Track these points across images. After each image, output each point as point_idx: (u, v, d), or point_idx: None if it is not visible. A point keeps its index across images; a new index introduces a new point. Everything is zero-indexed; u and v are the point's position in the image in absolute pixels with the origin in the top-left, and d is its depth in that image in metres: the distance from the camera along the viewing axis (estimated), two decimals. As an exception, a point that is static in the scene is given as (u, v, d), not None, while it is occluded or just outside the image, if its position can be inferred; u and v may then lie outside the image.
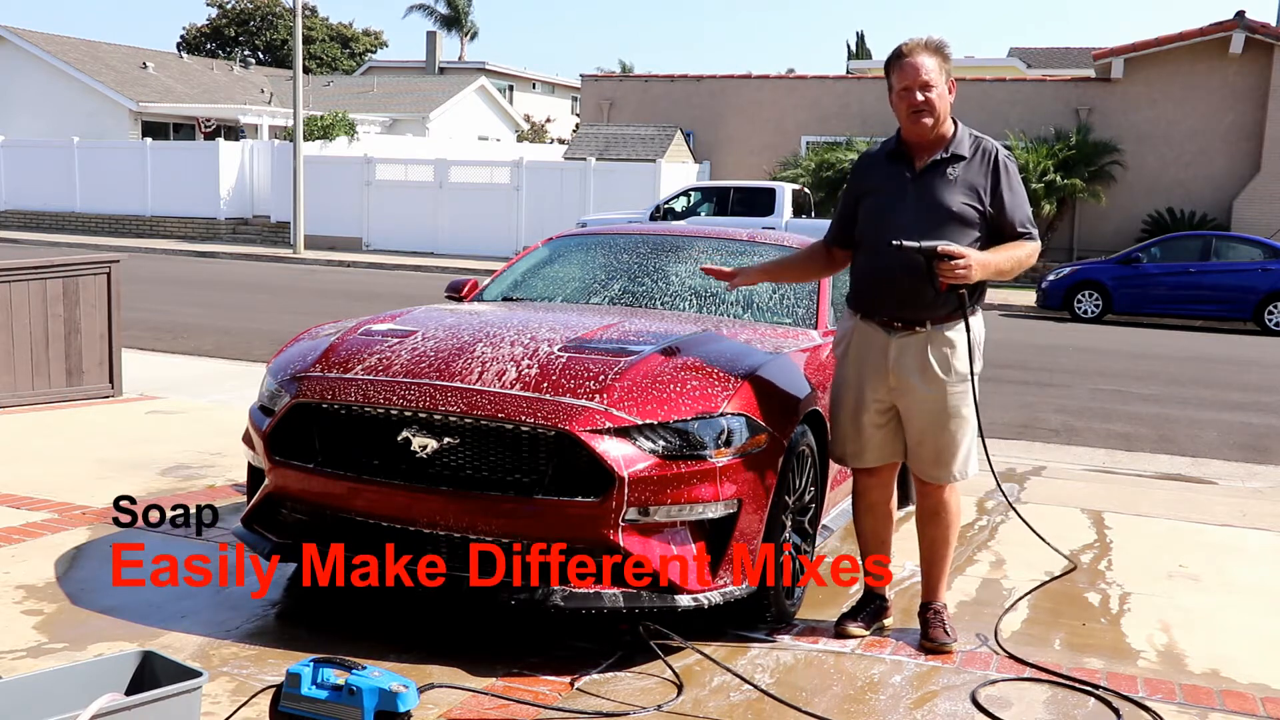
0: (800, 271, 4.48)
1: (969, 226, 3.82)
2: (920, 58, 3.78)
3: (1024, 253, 3.85)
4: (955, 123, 3.90)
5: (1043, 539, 4.86)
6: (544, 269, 5.74)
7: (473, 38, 58.52)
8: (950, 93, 3.84)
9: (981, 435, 4.02)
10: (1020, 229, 3.87)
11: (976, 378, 3.91)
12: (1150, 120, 25.32)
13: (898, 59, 3.82)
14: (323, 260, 25.82)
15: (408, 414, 3.73)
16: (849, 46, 42.41)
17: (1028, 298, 20.71)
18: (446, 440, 3.68)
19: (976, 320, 3.93)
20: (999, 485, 4.55)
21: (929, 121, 3.80)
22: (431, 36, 52.77)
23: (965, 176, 3.84)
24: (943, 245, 3.69)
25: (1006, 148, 4.01)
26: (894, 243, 3.72)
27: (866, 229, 3.92)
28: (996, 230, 3.87)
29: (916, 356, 3.85)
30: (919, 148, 3.88)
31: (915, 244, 3.70)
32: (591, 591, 3.59)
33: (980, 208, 3.84)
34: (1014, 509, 4.82)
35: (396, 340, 4.15)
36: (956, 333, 3.86)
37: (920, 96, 3.77)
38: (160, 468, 6.08)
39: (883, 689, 3.60)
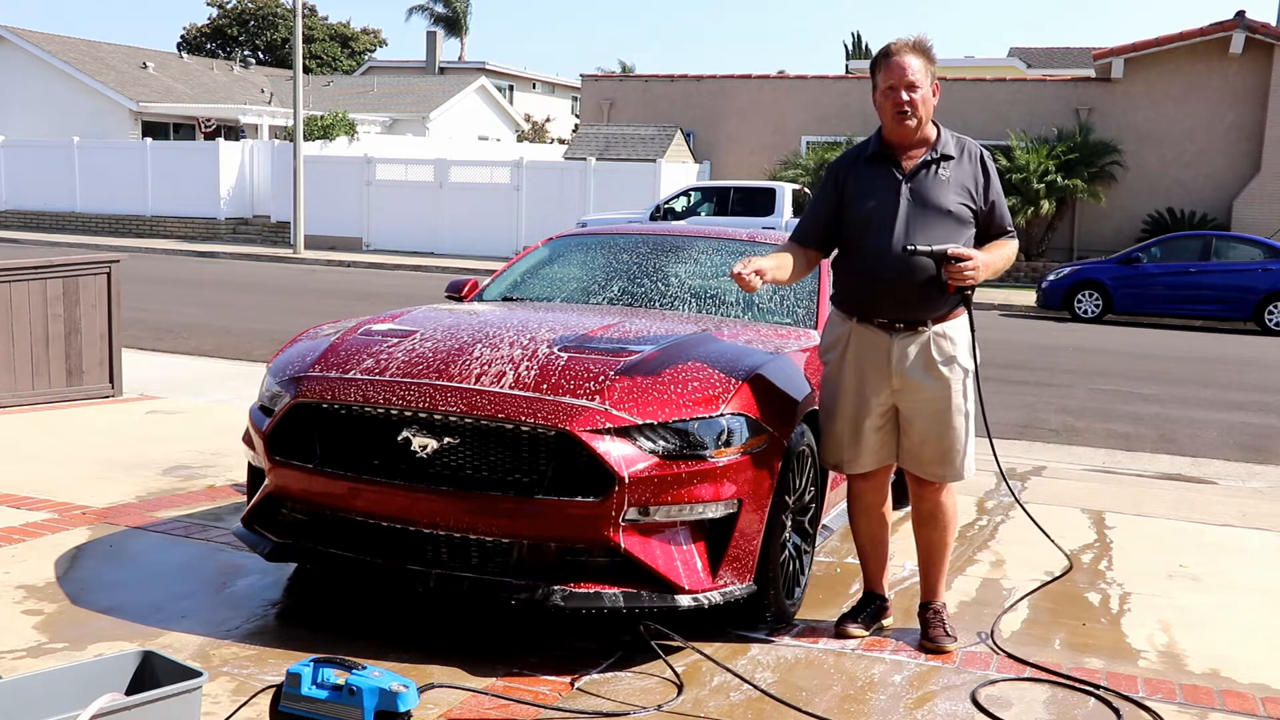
0: (795, 274, 4.09)
1: (964, 225, 3.85)
2: (907, 58, 3.77)
3: (1011, 251, 3.97)
4: (936, 125, 3.91)
5: (1043, 531, 4.87)
6: (544, 269, 5.74)
7: (465, 33, 58.46)
8: (934, 95, 3.84)
9: (989, 432, 4.02)
10: (1007, 228, 3.97)
11: (976, 373, 3.93)
12: (1150, 120, 25.31)
13: (885, 58, 3.81)
14: (323, 260, 25.82)
15: (408, 414, 3.73)
16: (846, 46, 42.35)
17: (1028, 298, 20.71)
18: (446, 440, 3.68)
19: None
20: (1004, 476, 4.55)
21: (913, 123, 3.80)
22: (431, 36, 52.76)
23: (957, 176, 3.86)
24: (953, 249, 3.73)
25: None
26: (908, 248, 3.73)
27: (861, 233, 3.87)
28: (984, 229, 3.91)
29: (920, 355, 3.85)
30: (903, 149, 3.88)
31: (928, 249, 3.72)
32: (591, 591, 3.59)
33: (974, 206, 3.87)
34: (1016, 499, 4.92)
35: (396, 340, 4.15)
36: (957, 329, 3.88)
37: (905, 96, 3.77)
38: (160, 468, 6.08)
39: (883, 689, 3.60)
